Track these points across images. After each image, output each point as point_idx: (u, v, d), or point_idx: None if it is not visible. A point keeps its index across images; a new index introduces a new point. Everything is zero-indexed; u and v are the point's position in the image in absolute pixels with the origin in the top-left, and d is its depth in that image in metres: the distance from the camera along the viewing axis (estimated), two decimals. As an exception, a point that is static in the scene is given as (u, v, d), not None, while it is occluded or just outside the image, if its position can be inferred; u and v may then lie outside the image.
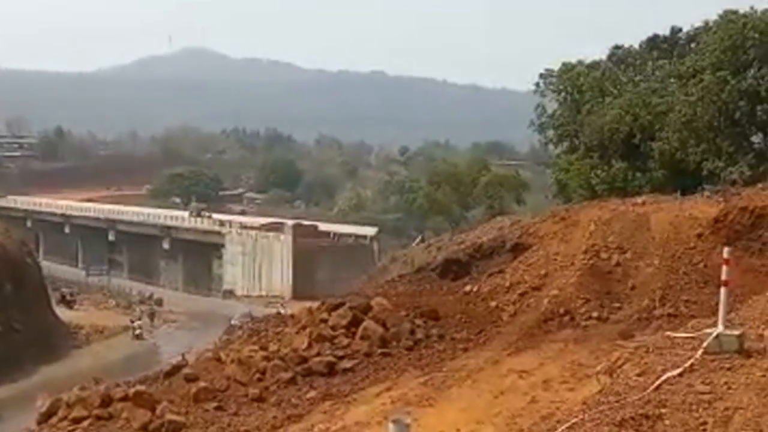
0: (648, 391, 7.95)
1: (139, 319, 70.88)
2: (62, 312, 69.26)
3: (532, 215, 26.34)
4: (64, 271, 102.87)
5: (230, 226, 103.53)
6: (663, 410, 7.47)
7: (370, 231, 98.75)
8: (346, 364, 18.54)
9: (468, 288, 22.03)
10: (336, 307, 20.44)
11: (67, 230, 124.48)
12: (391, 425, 3.91)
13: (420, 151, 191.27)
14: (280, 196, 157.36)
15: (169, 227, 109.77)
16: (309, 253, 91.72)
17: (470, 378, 15.38)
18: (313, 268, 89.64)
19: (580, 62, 43.46)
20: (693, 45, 38.76)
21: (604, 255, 20.52)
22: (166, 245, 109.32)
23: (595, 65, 43.34)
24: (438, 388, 15.06)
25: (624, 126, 37.31)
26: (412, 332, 19.68)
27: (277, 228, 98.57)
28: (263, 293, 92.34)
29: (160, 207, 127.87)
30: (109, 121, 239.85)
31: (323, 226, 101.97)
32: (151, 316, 76.82)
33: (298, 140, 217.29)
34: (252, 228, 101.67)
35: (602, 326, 18.24)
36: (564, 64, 43.46)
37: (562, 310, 19.11)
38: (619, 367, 9.33)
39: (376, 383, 17.01)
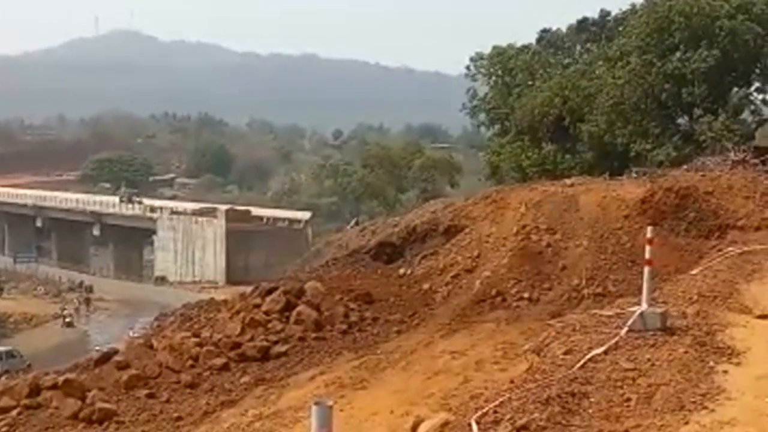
0: (574, 369, 8.10)
1: (77, 307, 69.55)
2: (-11, 301, 67.84)
3: (464, 198, 26.54)
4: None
5: (161, 212, 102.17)
6: (588, 387, 7.62)
7: (304, 215, 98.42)
8: (280, 348, 18.51)
9: (402, 271, 22.15)
10: (269, 291, 20.38)
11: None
12: (313, 408, 3.93)
13: (353, 134, 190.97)
14: (212, 180, 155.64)
15: (98, 213, 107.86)
16: (242, 238, 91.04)
17: (404, 360, 15.48)
18: (246, 253, 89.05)
19: (510, 46, 43.90)
20: (621, 28, 39.40)
21: (534, 236, 20.81)
22: (96, 231, 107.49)
23: (525, 49, 43.80)
24: (372, 370, 15.13)
25: (554, 109, 37.84)
26: (346, 316, 19.73)
27: (209, 213, 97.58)
28: (196, 279, 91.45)
29: (89, 193, 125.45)
30: (37, 106, 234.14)
31: (257, 211, 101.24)
32: (87, 301, 75.68)
33: (230, 124, 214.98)
34: (184, 213, 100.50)
35: (533, 307, 18.52)
36: (494, 48, 43.87)
37: (494, 292, 19.34)
38: (547, 345, 9.50)
39: (310, 367, 17.02)
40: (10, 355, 47.24)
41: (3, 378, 43.21)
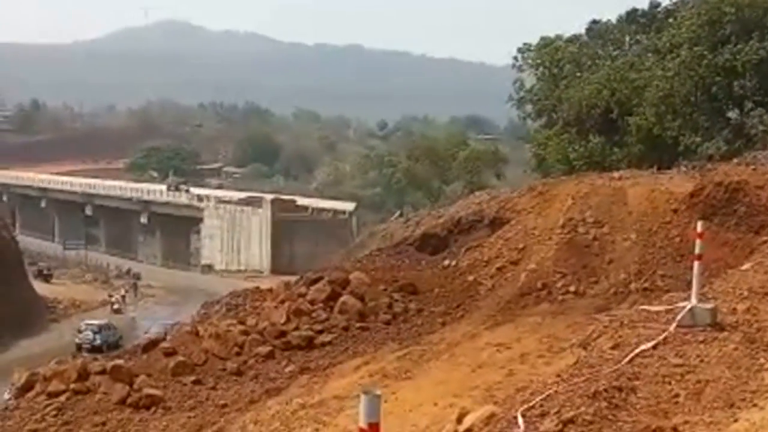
0: (621, 363, 8.03)
1: (123, 294, 70.55)
2: (39, 286, 68.86)
3: (510, 190, 26.42)
4: (41, 246, 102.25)
5: (208, 201, 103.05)
6: (636, 383, 7.56)
7: (348, 206, 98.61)
8: (325, 338, 18.65)
9: (446, 262, 22.13)
10: (314, 281, 20.52)
11: (43, 204, 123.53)
12: (362, 397, 3.93)
13: (398, 125, 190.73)
14: (258, 170, 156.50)
15: (146, 201, 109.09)
16: (287, 228, 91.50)
17: (448, 352, 15.47)
18: (291, 243, 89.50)
19: (558, 37, 43.50)
20: (671, 20, 38.81)
21: (581, 229, 20.65)
22: (143, 219, 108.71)
23: (573, 40, 43.39)
24: (416, 361, 15.15)
25: (601, 101, 37.43)
26: (390, 306, 19.79)
27: (255, 202, 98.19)
28: (242, 268, 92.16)
29: (137, 181, 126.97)
30: (86, 94, 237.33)
31: (301, 201, 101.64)
32: (134, 287, 76.82)
33: (276, 114, 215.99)
34: (230, 202, 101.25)
35: (579, 300, 18.40)
36: (542, 39, 43.50)
37: (539, 285, 19.25)
38: (594, 340, 9.42)
39: (354, 357, 17.10)
40: (107, 327, 51.51)
41: (104, 348, 45.50)
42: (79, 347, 47.86)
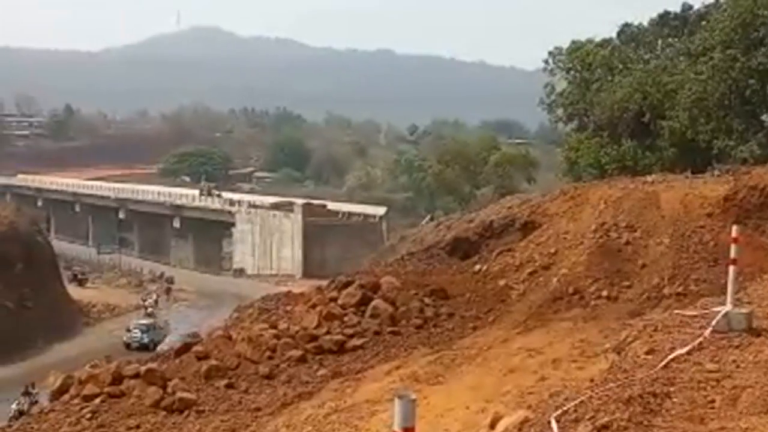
0: (656, 369, 7.98)
1: (155, 299, 71.14)
2: (74, 290, 69.57)
3: (541, 194, 26.32)
4: (75, 250, 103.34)
5: (240, 205, 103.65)
6: (671, 388, 7.51)
7: (379, 210, 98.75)
8: (356, 342, 18.66)
9: (477, 267, 22.09)
10: (345, 285, 20.55)
11: (77, 209, 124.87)
12: (396, 401, 3.94)
13: (429, 129, 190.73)
14: (289, 175, 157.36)
15: (179, 206, 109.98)
16: (318, 232, 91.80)
17: (480, 356, 15.44)
18: (322, 247, 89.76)
19: (589, 40, 43.34)
20: (703, 22, 38.54)
21: (613, 234, 20.53)
22: (176, 224, 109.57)
23: (604, 43, 43.21)
24: (447, 366, 15.13)
25: (634, 104, 37.24)
26: (422, 311, 19.78)
27: (286, 207, 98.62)
28: (273, 272, 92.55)
29: (170, 186, 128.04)
30: (119, 100, 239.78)
31: (332, 205, 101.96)
32: (167, 291, 77.52)
33: (306, 119, 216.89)
34: (262, 207, 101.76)
35: (612, 305, 18.28)
36: (573, 42, 43.37)
37: (571, 289, 19.15)
38: (628, 345, 9.37)
39: (385, 361, 17.10)
40: (153, 327, 55.03)
41: (151, 346, 46.29)
42: (127, 345, 51.54)
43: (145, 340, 51.80)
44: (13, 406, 32.67)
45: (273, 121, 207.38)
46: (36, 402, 32.59)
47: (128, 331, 54.66)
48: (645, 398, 7.20)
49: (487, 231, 23.76)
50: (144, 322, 56.78)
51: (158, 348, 38.23)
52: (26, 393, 33.79)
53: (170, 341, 44.24)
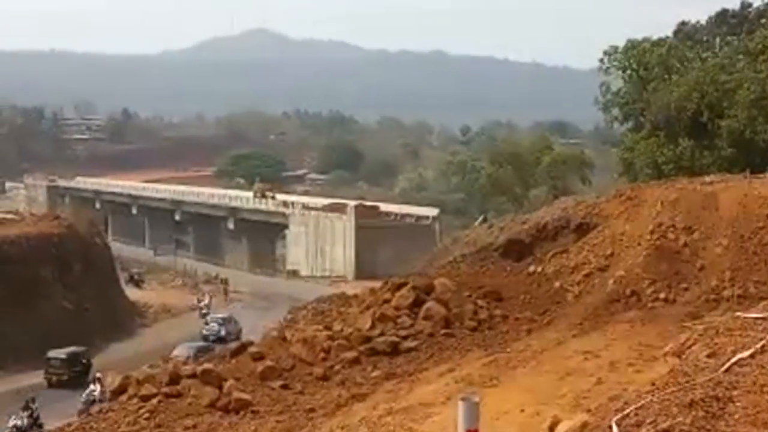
0: (718, 372, 7.83)
1: (210, 299, 71.91)
2: (131, 291, 70.57)
3: (597, 195, 26.02)
4: (132, 251, 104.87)
5: (293, 207, 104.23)
6: (734, 392, 7.36)
7: (431, 212, 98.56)
8: (410, 344, 18.66)
9: (531, 269, 21.93)
10: (399, 287, 20.54)
11: (134, 211, 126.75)
12: (460, 403, 3.92)
13: (481, 130, 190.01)
14: (341, 176, 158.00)
15: (234, 208, 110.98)
16: (371, 234, 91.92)
17: (534, 359, 15.33)
18: (375, 249, 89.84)
19: (645, 39, 42.75)
20: (763, 20, 37.80)
21: (671, 235, 20.22)
22: (231, 225, 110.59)
23: (660, 42, 42.60)
24: (502, 369, 15.05)
25: (691, 104, 36.65)
26: (476, 313, 19.70)
27: (339, 209, 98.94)
28: (326, 273, 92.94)
29: (224, 188, 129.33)
30: (175, 104, 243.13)
31: (385, 207, 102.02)
32: (225, 292, 78.54)
33: (359, 121, 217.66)
34: (315, 209, 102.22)
35: (670, 307, 18.03)
36: (629, 41, 42.81)
37: (628, 291, 18.92)
38: (688, 348, 9.22)
39: (439, 363, 17.07)
40: (229, 320, 57.81)
41: (227, 338, 47.14)
42: (206, 338, 53.74)
43: (222, 333, 54.57)
44: (11, 422, 32.49)
45: (326, 124, 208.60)
46: (37, 417, 32.77)
47: (206, 324, 57.75)
48: (707, 402, 7.07)
49: (541, 232, 23.55)
50: (221, 315, 59.95)
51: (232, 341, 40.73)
52: (26, 408, 33.17)
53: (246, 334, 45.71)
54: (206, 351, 35.49)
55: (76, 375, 42.43)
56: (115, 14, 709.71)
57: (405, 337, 18.86)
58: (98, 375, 35.07)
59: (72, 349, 44.96)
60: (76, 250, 57.53)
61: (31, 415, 32.85)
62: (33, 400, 33.71)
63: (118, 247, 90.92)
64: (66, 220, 63.22)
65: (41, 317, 49.96)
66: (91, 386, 34.88)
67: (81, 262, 57.30)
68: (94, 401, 32.66)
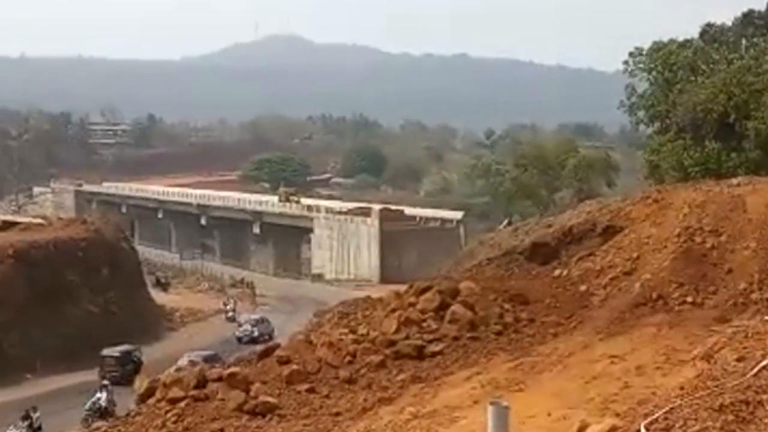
0: (747, 376, 7.78)
1: (234, 303, 72.21)
2: (157, 295, 70.98)
3: (622, 198, 25.88)
4: (158, 255, 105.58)
5: (318, 211, 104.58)
6: (763, 396, 7.31)
7: (456, 215, 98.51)
8: (435, 347, 18.63)
9: (557, 272, 21.84)
10: (424, 290, 20.51)
11: (160, 215, 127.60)
12: (490, 408, 3.93)
13: (506, 133, 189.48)
14: (366, 180, 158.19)
15: (259, 212, 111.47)
16: (396, 237, 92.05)
17: (561, 363, 15.28)
18: (400, 252, 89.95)
19: (671, 41, 42.48)
20: (791, 20, 37.44)
21: (698, 238, 20.09)
22: (256, 229, 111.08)
23: (686, 43, 42.30)
24: (528, 372, 15.01)
25: (718, 105, 36.34)
26: (501, 316, 19.63)
27: (364, 212, 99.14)
28: (351, 277, 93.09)
29: (249, 192, 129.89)
30: (199, 109, 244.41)
31: (409, 210, 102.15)
32: (253, 294, 79.01)
33: (383, 125, 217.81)
34: (339, 212, 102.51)
35: (697, 311, 17.90)
36: (655, 43, 42.55)
37: (655, 295, 18.80)
38: (717, 352, 9.16)
39: (465, 367, 17.04)
40: (262, 321, 60.07)
41: (260, 339, 47.92)
42: (239, 339, 56.50)
43: (255, 334, 56.48)
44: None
45: (350, 128, 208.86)
46: (39, 427, 32.31)
47: (240, 325, 59.82)
48: (737, 407, 7.02)
49: (567, 236, 23.45)
50: (254, 317, 62.30)
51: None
52: (26, 417, 32.67)
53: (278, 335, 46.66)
54: (213, 360, 34.69)
55: (128, 373, 42.98)
56: (141, 21, 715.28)
57: (430, 341, 18.84)
58: (105, 383, 34.54)
59: (125, 347, 47.04)
60: (103, 255, 57.97)
61: (30, 425, 32.34)
62: (34, 409, 33.13)
63: (144, 251, 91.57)
64: (93, 225, 63.73)
65: (68, 321, 50.41)
66: (98, 394, 34.24)
67: (108, 266, 57.74)
68: (99, 409, 32.30)
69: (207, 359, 38.43)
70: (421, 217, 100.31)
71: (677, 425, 6.80)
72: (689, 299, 18.49)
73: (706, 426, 6.65)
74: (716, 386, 7.58)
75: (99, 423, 30.32)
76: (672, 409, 7.15)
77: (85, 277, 54.81)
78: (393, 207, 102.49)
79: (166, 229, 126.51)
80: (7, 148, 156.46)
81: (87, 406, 33.69)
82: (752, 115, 35.21)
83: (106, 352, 45.69)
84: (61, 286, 51.59)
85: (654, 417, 7.08)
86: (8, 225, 58.74)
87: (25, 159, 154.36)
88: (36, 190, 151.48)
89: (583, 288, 20.62)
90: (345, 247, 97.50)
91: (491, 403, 3.74)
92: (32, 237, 54.66)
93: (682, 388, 7.90)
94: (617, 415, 8.68)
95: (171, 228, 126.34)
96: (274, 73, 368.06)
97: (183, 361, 39.67)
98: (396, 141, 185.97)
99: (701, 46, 42.12)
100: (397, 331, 19.17)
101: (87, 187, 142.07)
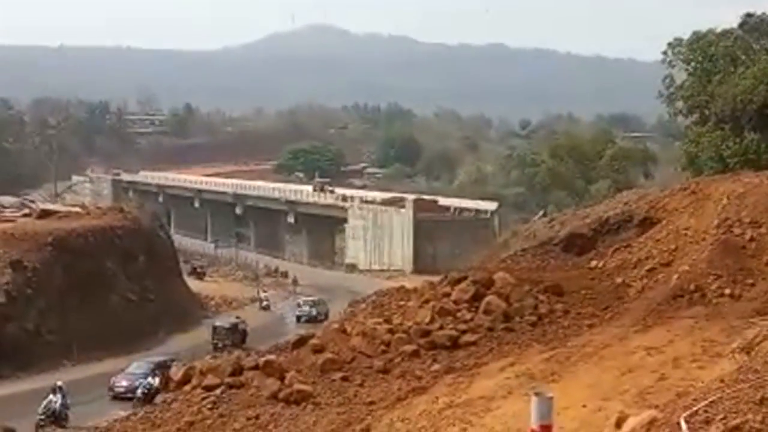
0: (788, 369, 7.68)
1: (266, 292, 72.59)
2: (193, 283, 71.52)
3: (660, 189, 25.64)
4: (194, 244, 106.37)
5: (352, 201, 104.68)
6: (805, 390, 7.21)
7: (490, 205, 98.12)
8: (469, 338, 18.61)
9: (593, 263, 21.72)
10: (458, 281, 20.49)
11: (196, 204, 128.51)
12: (534, 398, 3.90)
13: (541, 124, 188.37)
14: (400, 170, 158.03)
15: (293, 202, 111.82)
16: (429, 228, 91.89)
17: (596, 354, 15.17)
18: (433, 243, 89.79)
19: (710, 31, 41.96)
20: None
21: (737, 230, 19.86)
22: (290, 219, 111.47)
23: (726, 34, 41.75)
24: (563, 363, 14.92)
25: (758, 96, 35.85)
26: (536, 307, 19.56)
27: (398, 202, 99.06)
28: (385, 267, 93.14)
29: (284, 182, 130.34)
30: (235, 99, 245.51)
31: (443, 201, 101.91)
32: (294, 283, 79.47)
33: (418, 114, 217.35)
34: (373, 202, 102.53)
35: (735, 303, 17.68)
36: (694, 33, 42.06)
37: (692, 287, 18.61)
38: (757, 344, 9.04)
39: (499, 358, 16.99)
40: (319, 303, 63.88)
41: (318, 318, 53.15)
42: (298, 318, 61.13)
43: (314, 313, 60.58)
44: (43, 405, 31.05)
45: (385, 118, 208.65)
46: (64, 404, 31.73)
47: (299, 306, 63.81)
48: (779, 400, 6.92)
49: (603, 227, 23.32)
50: (312, 298, 66.30)
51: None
52: (56, 391, 31.91)
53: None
54: (164, 367, 32.39)
55: (237, 340, 49.45)
56: (178, 11, 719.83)
57: (464, 331, 18.83)
58: (59, 384, 33.27)
59: (234, 319, 54.67)
60: (139, 243, 58.46)
61: (63, 397, 32.02)
62: (60, 388, 32.33)
63: (180, 240, 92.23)
64: (130, 214, 64.28)
65: (106, 308, 50.89)
66: (51, 396, 31.94)
67: (144, 255, 58.22)
68: (54, 411, 31.51)
69: (158, 366, 36.81)
70: (455, 208, 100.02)
71: (717, 418, 6.73)
72: (727, 291, 18.28)
73: (746, 419, 6.57)
74: (757, 379, 7.47)
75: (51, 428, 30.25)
76: (712, 401, 7.08)
77: (122, 265, 55.32)
78: (427, 197, 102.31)
79: (201, 218, 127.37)
80: (46, 137, 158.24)
81: (40, 411, 31.48)
82: (793, 106, 34.72)
83: (218, 323, 53.17)
84: (99, 273, 52.11)
85: (694, 409, 7.01)
86: (47, 213, 59.30)
87: (63, 148, 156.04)
88: (74, 178, 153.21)
89: (619, 280, 20.48)
90: (379, 237, 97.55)
91: (536, 394, 3.72)
92: (70, 225, 55.16)
93: (721, 381, 7.81)
94: (657, 407, 8.60)
95: (207, 217, 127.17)
96: (311, 63, 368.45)
97: (132, 368, 39.14)
98: (430, 131, 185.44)
99: (741, 36, 41.56)
100: (431, 321, 19.18)
101: (124, 176, 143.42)
